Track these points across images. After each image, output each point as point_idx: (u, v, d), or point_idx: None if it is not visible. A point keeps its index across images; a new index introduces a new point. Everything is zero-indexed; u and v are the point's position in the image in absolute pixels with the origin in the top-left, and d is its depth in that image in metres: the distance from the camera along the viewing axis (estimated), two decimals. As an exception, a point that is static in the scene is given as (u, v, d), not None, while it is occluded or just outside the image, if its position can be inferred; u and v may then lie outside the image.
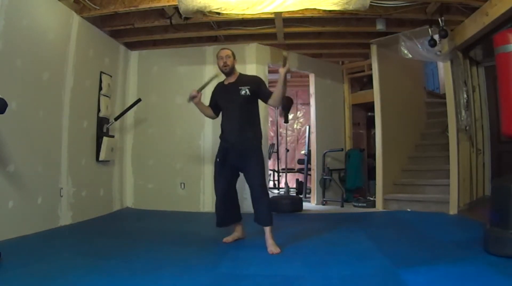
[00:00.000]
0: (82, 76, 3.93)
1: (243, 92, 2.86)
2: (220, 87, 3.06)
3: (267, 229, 2.76)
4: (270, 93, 2.86)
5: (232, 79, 2.98)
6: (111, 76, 4.47)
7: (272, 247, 2.68)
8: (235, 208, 3.06)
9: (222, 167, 2.96)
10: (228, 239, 3.00)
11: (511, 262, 2.25)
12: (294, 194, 6.17)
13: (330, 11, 3.56)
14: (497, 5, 3.26)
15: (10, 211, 2.95)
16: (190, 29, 4.40)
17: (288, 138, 7.16)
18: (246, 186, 3.01)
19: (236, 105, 2.89)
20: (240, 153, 2.86)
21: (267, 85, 2.98)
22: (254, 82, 2.94)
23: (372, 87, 4.99)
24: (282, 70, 2.71)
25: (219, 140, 4.70)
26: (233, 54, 2.98)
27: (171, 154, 4.85)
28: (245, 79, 2.97)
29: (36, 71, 3.32)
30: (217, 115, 3.16)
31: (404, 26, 4.30)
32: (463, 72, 4.34)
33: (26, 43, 3.17)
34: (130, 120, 4.94)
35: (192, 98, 3.05)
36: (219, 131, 4.68)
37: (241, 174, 2.96)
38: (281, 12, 3.79)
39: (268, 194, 2.92)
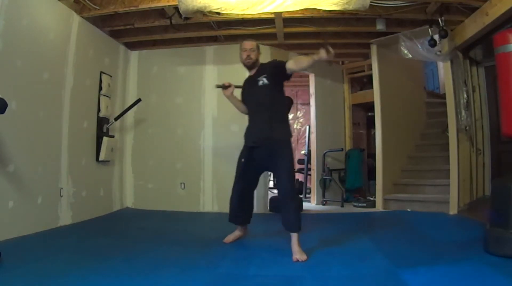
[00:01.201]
0: (82, 76, 3.93)
1: (260, 83, 2.67)
2: (245, 81, 2.89)
3: (294, 235, 2.58)
4: (284, 62, 2.62)
5: (253, 72, 2.80)
6: (111, 76, 4.47)
7: (297, 254, 2.47)
8: (250, 210, 2.97)
9: (246, 168, 2.78)
10: (229, 238, 2.95)
11: (511, 262, 2.25)
12: (294, 194, 6.17)
13: (330, 11, 3.56)
14: (497, 5, 3.26)
15: (10, 211, 2.95)
16: (190, 29, 4.39)
17: (288, 138, 7.15)
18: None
19: (257, 98, 2.71)
20: (266, 151, 2.66)
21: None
22: (269, 67, 2.72)
23: (372, 87, 4.99)
24: (322, 55, 2.31)
25: (219, 141, 4.77)
26: (257, 46, 2.80)
27: (171, 154, 4.85)
28: (263, 69, 2.76)
29: (36, 71, 3.32)
30: None
31: (404, 26, 4.30)
32: (463, 72, 4.34)
33: (26, 43, 3.17)
34: (130, 120, 4.94)
35: (223, 87, 2.88)
36: (219, 132, 4.75)
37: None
38: (281, 12, 3.79)
39: (296, 197, 2.74)
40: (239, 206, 2.89)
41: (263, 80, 2.68)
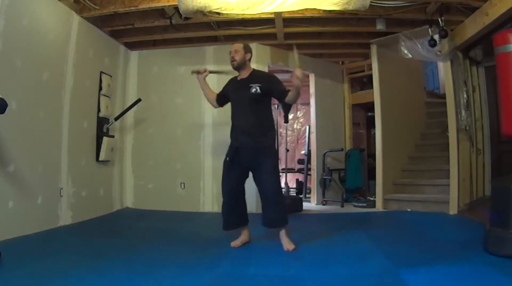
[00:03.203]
0: (82, 76, 3.93)
1: (253, 90, 2.73)
2: (232, 81, 2.95)
3: (283, 229, 2.76)
4: (286, 91, 2.71)
5: (244, 75, 2.85)
6: (111, 76, 4.47)
7: (287, 245, 2.69)
8: (243, 211, 2.93)
9: (230, 167, 2.82)
10: (236, 243, 2.86)
11: (511, 262, 2.25)
12: (294, 194, 6.18)
13: (330, 11, 3.56)
14: (497, 5, 3.26)
15: (10, 211, 2.95)
16: (190, 29, 4.40)
17: (288, 138, 7.15)
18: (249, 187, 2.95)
19: (245, 102, 2.78)
20: (250, 153, 2.74)
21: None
22: (267, 80, 2.80)
23: (372, 87, 4.99)
24: (298, 72, 2.51)
25: (219, 141, 4.76)
26: (244, 48, 2.84)
27: (171, 154, 4.85)
28: (257, 76, 2.83)
29: (36, 71, 3.32)
30: (220, 106, 3.08)
31: (404, 26, 4.30)
32: (463, 72, 4.34)
33: (26, 43, 3.17)
34: (130, 120, 4.94)
35: (197, 72, 3.01)
36: (219, 132, 4.76)
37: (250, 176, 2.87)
38: (281, 12, 3.79)
39: (282, 194, 2.83)
40: (231, 211, 2.86)
41: (256, 89, 2.74)
